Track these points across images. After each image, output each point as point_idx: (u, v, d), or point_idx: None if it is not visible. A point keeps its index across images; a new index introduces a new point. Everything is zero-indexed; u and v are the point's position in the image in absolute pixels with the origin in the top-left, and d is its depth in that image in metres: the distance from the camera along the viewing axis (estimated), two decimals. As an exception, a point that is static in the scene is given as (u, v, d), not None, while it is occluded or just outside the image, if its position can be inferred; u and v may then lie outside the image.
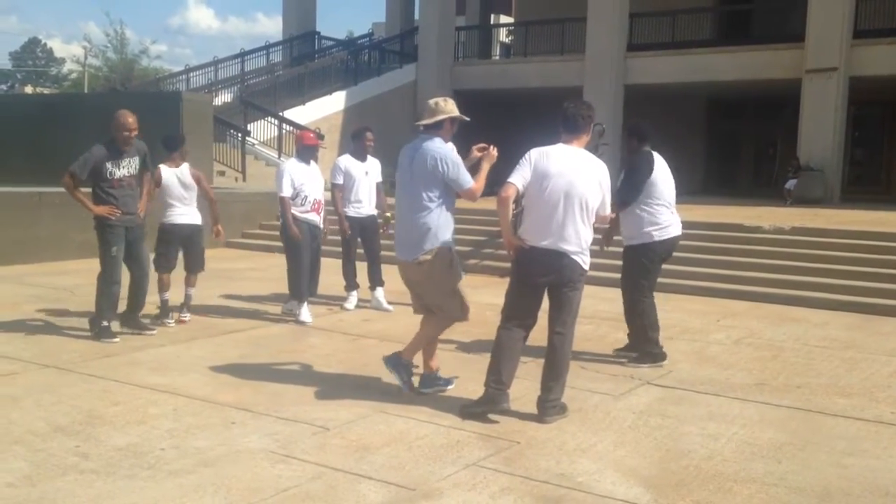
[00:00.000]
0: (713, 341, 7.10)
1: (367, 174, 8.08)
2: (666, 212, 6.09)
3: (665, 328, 7.39)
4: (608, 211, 4.86)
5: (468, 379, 5.34)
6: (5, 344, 6.17)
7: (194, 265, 7.21)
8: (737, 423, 4.80)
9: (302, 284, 7.41)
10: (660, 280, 9.48)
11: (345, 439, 4.31)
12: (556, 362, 4.73)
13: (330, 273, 8.77)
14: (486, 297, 8.73)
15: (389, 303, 8.09)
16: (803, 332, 7.62)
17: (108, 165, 6.25)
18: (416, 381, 5.20)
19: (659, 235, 6.07)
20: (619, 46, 20.18)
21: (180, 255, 7.15)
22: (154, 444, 4.16)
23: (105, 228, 6.29)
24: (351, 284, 8.25)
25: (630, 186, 6.03)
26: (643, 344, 6.16)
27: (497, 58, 27.50)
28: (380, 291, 8.21)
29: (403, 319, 7.66)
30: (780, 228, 10.97)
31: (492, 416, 4.67)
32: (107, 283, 6.37)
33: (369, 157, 8.18)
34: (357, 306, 8.16)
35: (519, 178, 4.63)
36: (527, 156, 4.68)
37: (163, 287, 7.01)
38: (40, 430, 4.30)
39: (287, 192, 7.30)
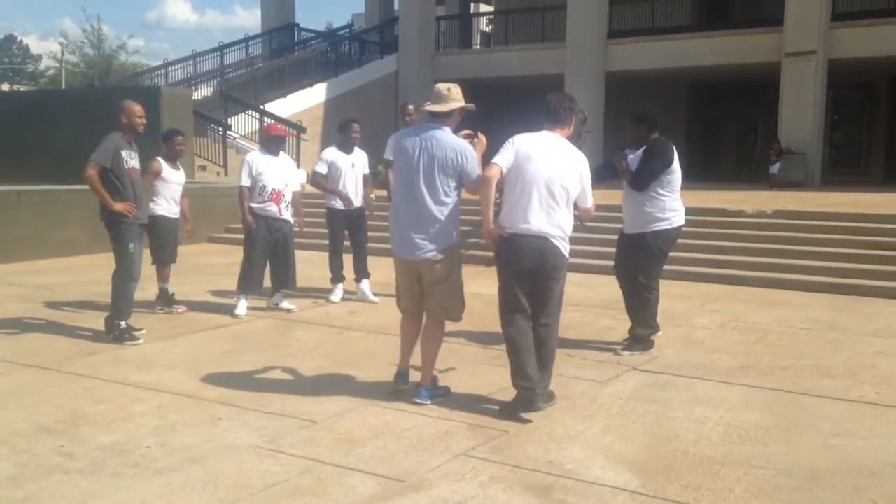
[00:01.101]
0: (698, 325, 7.13)
1: (353, 166, 8.04)
2: (679, 199, 6.18)
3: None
4: (590, 203, 4.82)
5: (462, 371, 5.36)
6: (-13, 344, 6.10)
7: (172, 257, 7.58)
8: (723, 407, 4.82)
9: (248, 278, 7.35)
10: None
11: (332, 432, 4.29)
12: (543, 353, 4.67)
13: (315, 266, 8.74)
14: (472, 286, 8.71)
15: (375, 294, 8.07)
16: (787, 315, 7.66)
17: (124, 154, 6.15)
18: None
19: (676, 222, 6.14)
20: (600, 33, 20.18)
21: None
22: (140, 441, 4.12)
23: (120, 224, 6.13)
24: (337, 277, 8.22)
25: (648, 172, 5.99)
26: (642, 329, 6.16)
27: (478, 47, 27.45)
28: (365, 283, 8.19)
29: (389, 311, 7.60)
30: (762, 212, 11.03)
31: (524, 415, 4.54)
32: (124, 280, 6.23)
33: (356, 148, 8.14)
34: (343, 299, 8.13)
35: (503, 159, 4.59)
36: (510, 140, 4.67)
37: (165, 278, 7.42)
38: (24, 431, 4.25)
39: (245, 181, 7.24)
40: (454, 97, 4.72)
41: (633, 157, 6.15)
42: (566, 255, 4.67)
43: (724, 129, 23.06)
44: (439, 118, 4.70)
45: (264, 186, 7.26)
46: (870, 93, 21.53)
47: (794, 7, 17.75)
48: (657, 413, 4.70)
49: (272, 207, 7.31)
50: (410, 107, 8.05)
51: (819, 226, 10.48)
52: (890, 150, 21.26)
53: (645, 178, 5.98)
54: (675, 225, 6.13)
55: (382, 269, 9.20)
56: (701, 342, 6.50)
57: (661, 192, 6.00)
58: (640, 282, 6.13)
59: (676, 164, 6.07)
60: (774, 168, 17.81)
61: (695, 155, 23.07)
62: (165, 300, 7.42)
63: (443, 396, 4.83)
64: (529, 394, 4.53)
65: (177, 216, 7.51)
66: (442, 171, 4.59)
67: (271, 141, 7.53)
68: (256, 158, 7.36)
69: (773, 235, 10.33)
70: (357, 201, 8.09)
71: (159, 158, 7.30)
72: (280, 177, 7.37)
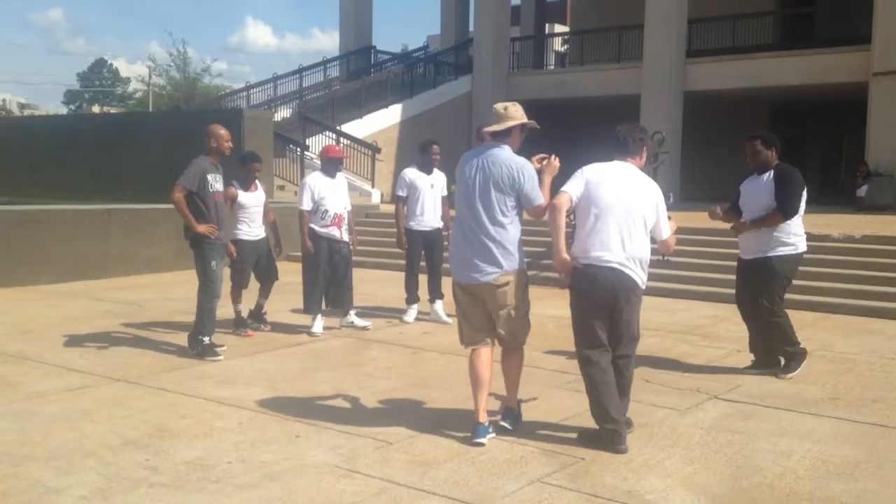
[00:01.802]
0: (782, 354, 6.89)
1: (432, 187, 8.11)
2: (802, 224, 6.16)
3: (733, 341, 7.26)
4: (666, 234, 4.63)
5: (535, 396, 5.31)
6: (78, 358, 6.35)
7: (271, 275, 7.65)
8: (810, 440, 4.65)
9: (314, 298, 7.43)
10: (723, 290, 9.32)
11: (407, 454, 4.30)
12: (621, 383, 4.52)
13: (389, 285, 8.85)
14: (547, 308, 8.67)
15: (448, 315, 8.09)
16: (878, 345, 7.35)
17: (210, 178, 6.37)
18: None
19: (801, 247, 6.12)
20: (678, 53, 19.90)
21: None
22: (221, 457, 4.21)
23: (203, 244, 6.35)
24: (412, 297, 8.28)
25: (798, 197, 5.99)
26: (789, 349, 6.13)
27: (552, 67, 27.40)
28: (439, 304, 8.22)
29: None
30: (849, 236, 10.63)
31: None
32: (208, 297, 6.43)
33: (435, 170, 8.20)
34: (416, 319, 8.17)
35: (573, 187, 4.48)
36: (580, 170, 4.57)
37: (236, 300, 7.44)
38: (112, 444, 4.40)
39: (307, 205, 7.33)
40: (512, 115, 4.59)
41: (759, 184, 6.07)
42: (643, 285, 4.52)
43: (806, 150, 22.35)
44: (498, 137, 4.58)
45: (326, 210, 7.35)
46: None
47: (882, 25, 17.17)
48: (740, 444, 4.56)
49: (335, 231, 7.40)
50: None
51: (911, 251, 10.03)
52: None
53: (796, 204, 5.97)
54: (801, 250, 6.10)
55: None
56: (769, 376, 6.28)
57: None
58: (766, 306, 6.05)
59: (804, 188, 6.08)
60: (862, 191, 17.20)
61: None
62: (253, 316, 7.52)
63: (512, 427, 4.63)
64: (614, 435, 4.39)
65: (257, 237, 7.45)
66: (497, 189, 4.46)
67: (330, 163, 7.58)
68: (318, 182, 7.44)
69: (862, 261, 9.94)
70: (436, 222, 8.14)
71: (234, 183, 7.30)
72: (340, 200, 7.48)
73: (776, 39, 21.69)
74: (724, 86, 19.63)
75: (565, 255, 4.48)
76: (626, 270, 4.42)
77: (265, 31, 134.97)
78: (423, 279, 8.30)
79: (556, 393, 5.56)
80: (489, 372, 4.57)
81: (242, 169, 7.50)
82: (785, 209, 5.92)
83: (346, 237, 7.56)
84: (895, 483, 4.02)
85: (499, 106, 4.66)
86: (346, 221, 7.52)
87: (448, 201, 8.40)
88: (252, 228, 7.41)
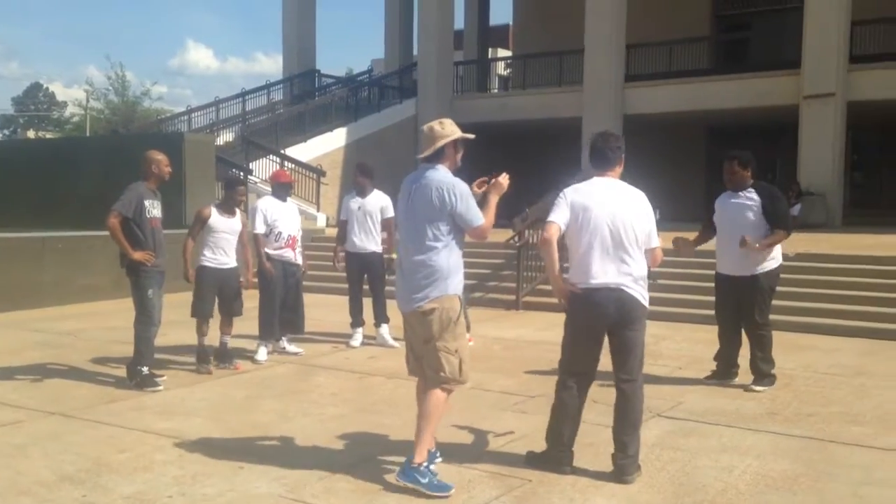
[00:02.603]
0: (722, 371, 7.03)
1: (359, 209, 8.17)
2: None
3: (674, 358, 7.39)
4: (655, 243, 4.40)
5: (483, 418, 5.31)
6: (10, 392, 6.13)
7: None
8: (750, 455, 4.74)
9: (271, 323, 7.37)
10: (668, 310, 9.49)
11: (353, 482, 4.25)
12: (629, 413, 4.34)
13: (336, 310, 8.78)
14: (493, 330, 8.71)
15: (395, 339, 8.06)
16: (813, 360, 7.56)
17: (147, 204, 6.25)
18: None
19: (779, 260, 6.45)
20: (617, 77, 20.32)
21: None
22: (161, 491, 4.10)
23: (139, 272, 6.22)
24: (356, 321, 8.24)
25: (788, 215, 6.39)
26: (765, 367, 6.39)
27: (496, 91, 27.70)
28: (384, 328, 8.19)
29: (409, 356, 7.63)
30: (784, 255, 10.89)
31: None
32: (145, 326, 6.28)
33: (376, 192, 8.23)
34: (362, 343, 8.12)
35: (558, 215, 4.32)
36: (562, 194, 4.43)
37: (201, 332, 6.99)
38: (47, 480, 4.25)
39: (260, 228, 7.32)
40: (440, 134, 4.23)
41: (735, 202, 6.35)
42: (645, 303, 4.37)
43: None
44: (431, 160, 4.25)
45: (280, 233, 7.37)
46: (890, 134, 21.45)
47: (811, 50, 17.82)
48: (683, 461, 4.63)
49: (288, 253, 7.41)
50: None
51: (844, 269, 10.38)
52: (911, 191, 21.12)
53: (790, 221, 6.41)
54: (780, 263, 6.45)
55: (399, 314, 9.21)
56: (725, 388, 6.41)
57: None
58: (757, 321, 6.34)
59: None
60: (794, 210, 17.71)
61: (713, 197, 22.99)
62: (218, 356, 7.05)
63: (426, 484, 4.08)
64: (559, 455, 4.38)
65: (224, 266, 6.96)
66: (427, 213, 4.15)
67: (280, 188, 7.61)
68: (269, 205, 7.45)
69: (796, 279, 10.21)
70: (371, 245, 8.18)
71: (211, 206, 7.01)
72: (293, 223, 7.50)
73: (711, 64, 22.32)
74: (661, 109, 20.09)
75: (563, 284, 4.40)
76: (627, 290, 4.29)
77: (206, 53, 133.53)
78: (369, 304, 8.27)
79: (503, 415, 5.57)
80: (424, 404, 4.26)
81: (225, 193, 7.25)
82: (785, 226, 6.28)
83: (299, 260, 7.56)
84: (832, 496, 4.12)
85: (426, 127, 4.33)
86: (299, 244, 7.49)
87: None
88: (217, 255, 6.92)
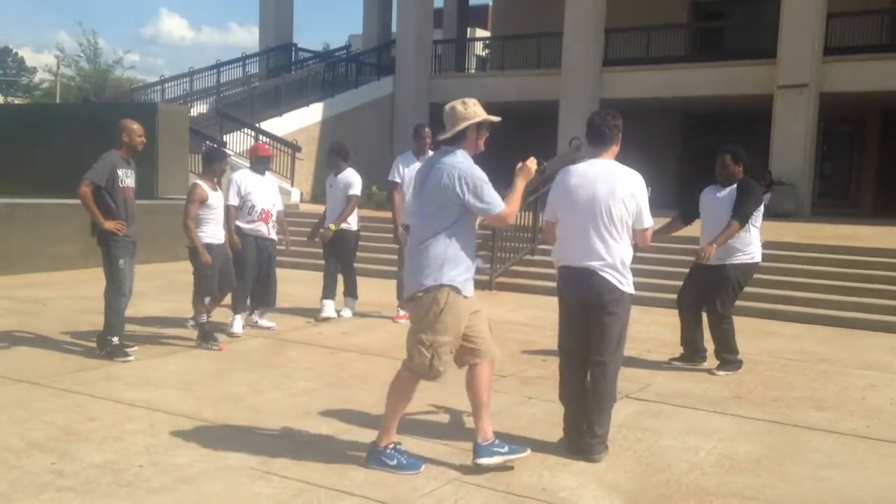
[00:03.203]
0: (690, 355, 7.15)
1: (331, 187, 8.31)
2: (758, 234, 6.50)
3: (642, 341, 7.49)
4: (646, 224, 4.37)
5: (452, 396, 5.35)
6: (-23, 358, 6.07)
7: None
8: (715, 437, 4.84)
9: (241, 297, 7.34)
10: (638, 293, 9.60)
11: (326, 454, 4.28)
12: (597, 394, 4.36)
13: (309, 285, 8.79)
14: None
15: (365, 315, 8.17)
16: (776, 346, 7.70)
17: (120, 173, 6.16)
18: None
19: (757, 257, 6.47)
20: (595, 61, 20.36)
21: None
22: (132, 461, 4.10)
23: (110, 242, 6.16)
24: (327, 294, 8.32)
25: (753, 208, 6.33)
26: (728, 355, 6.49)
27: (473, 71, 27.63)
28: (351, 302, 8.40)
29: (382, 333, 7.68)
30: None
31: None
32: (115, 296, 6.22)
33: (349, 169, 8.30)
34: (333, 317, 8.19)
35: (548, 212, 4.53)
36: (552, 186, 4.56)
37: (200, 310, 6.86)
38: (15, 447, 4.22)
39: (233, 201, 7.26)
40: (462, 115, 4.04)
41: (721, 196, 6.43)
42: (623, 288, 4.33)
43: (715, 158, 23.17)
44: (450, 142, 4.09)
45: (253, 206, 7.31)
46: (860, 126, 21.77)
47: (787, 40, 17.98)
48: (649, 441, 4.71)
49: (262, 227, 7.35)
50: (427, 129, 8.14)
51: (809, 258, 10.56)
52: (879, 184, 21.48)
53: (748, 213, 6.31)
54: (756, 259, 6.45)
55: (377, 291, 9.25)
56: (693, 372, 6.52)
57: (752, 226, 6.37)
58: (718, 312, 6.41)
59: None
60: (765, 198, 17.93)
61: (686, 182, 23.27)
62: (203, 334, 6.84)
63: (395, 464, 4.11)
64: (596, 440, 4.34)
65: (222, 241, 6.91)
66: (434, 198, 4.00)
67: (259, 161, 7.57)
68: (245, 177, 7.40)
69: (762, 266, 10.35)
70: (338, 222, 8.26)
71: (200, 183, 6.77)
72: (268, 197, 7.43)
73: (688, 51, 22.44)
74: (638, 94, 20.17)
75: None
76: (600, 272, 4.29)
77: (180, 23, 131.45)
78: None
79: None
80: (472, 391, 4.19)
81: (210, 167, 6.93)
82: (738, 216, 6.25)
83: (272, 234, 7.50)
84: (794, 478, 4.23)
85: (447, 106, 4.11)
86: (273, 219, 7.45)
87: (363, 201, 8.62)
88: (217, 231, 6.83)
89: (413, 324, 4.17)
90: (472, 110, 4.07)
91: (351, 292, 8.43)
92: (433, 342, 4.02)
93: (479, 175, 4.01)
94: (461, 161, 4.03)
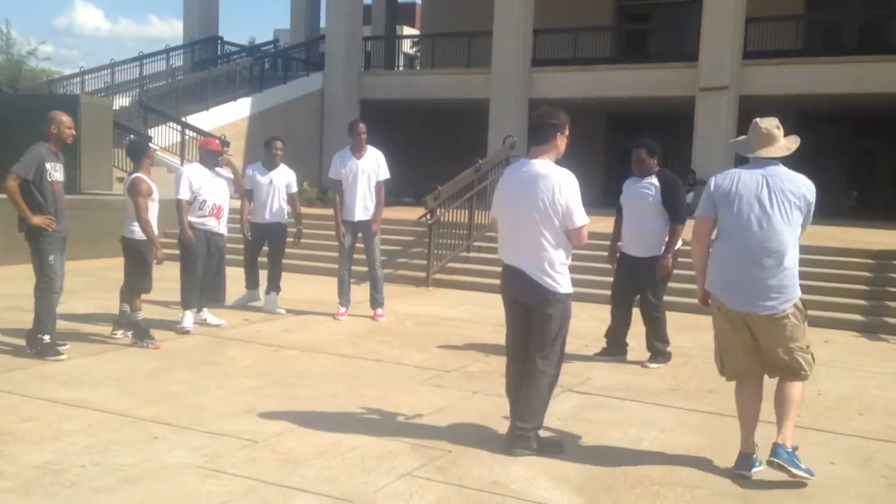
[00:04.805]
0: (625, 349, 7.32)
1: (270, 182, 8.30)
2: None
3: (580, 336, 7.61)
4: (577, 223, 4.31)
5: (400, 391, 5.35)
6: None
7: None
8: (657, 428, 4.97)
9: (192, 292, 7.22)
10: (575, 289, 9.78)
11: (275, 452, 4.23)
12: (526, 390, 4.38)
13: (241, 282, 8.65)
14: (403, 306, 8.75)
15: (289, 310, 8.32)
16: (710, 339, 7.87)
17: (48, 167, 5.93)
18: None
19: (681, 244, 6.67)
20: (524, 61, 20.58)
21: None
22: (73, 461, 3.97)
23: (39, 237, 5.93)
24: (251, 283, 8.58)
25: (684, 200, 6.56)
26: (659, 345, 6.70)
27: (401, 69, 27.58)
28: (273, 295, 8.45)
29: (322, 329, 7.61)
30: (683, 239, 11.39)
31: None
32: (46, 293, 5.99)
33: (282, 166, 8.40)
34: (267, 315, 8.21)
35: (493, 205, 4.62)
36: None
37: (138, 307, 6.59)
38: (-54, 450, 4.04)
39: (185, 195, 7.14)
40: (778, 137, 4.29)
41: (640, 187, 6.62)
42: (555, 289, 4.31)
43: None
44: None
45: (204, 201, 7.20)
46: (776, 129, 22.60)
47: (708, 44, 18.54)
48: (595, 433, 4.81)
49: (212, 222, 7.23)
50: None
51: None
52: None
53: (683, 210, 6.58)
54: (682, 247, 6.70)
55: (314, 288, 9.19)
56: (629, 365, 6.67)
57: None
58: (652, 302, 6.63)
59: None
60: (688, 197, 18.50)
61: (611, 183, 23.69)
62: (138, 332, 6.57)
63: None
64: (517, 433, 4.39)
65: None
66: (797, 206, 4.21)
67: (209, 155, 7.40)
68: (195, 172, 7.29)
69: (688, 262, 10.67)
70: (276, 216, 8.38)
71: (142, 176, 6.51)
72: (220, 192, 7.31)
73: (614, 53, 22.92)
74: (565, 94, 20.45)
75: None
76: (528, 273, 4.32)
77: (96, 14, 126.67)
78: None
79: (419, 388, 5.64)
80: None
81: (142, 160, 6.64)
82: (677, 218, 6.54)
83: (223, 229, 7.41)
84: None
85: (760, 123, 4.30)
86: (224, 213, 7.33)
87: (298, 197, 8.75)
88: (154, 225, 6.59)
89: (786, 338, 4.30)
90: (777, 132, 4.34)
91: (277, 286, 8.47)
92: (808, 344, 4.39)
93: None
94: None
